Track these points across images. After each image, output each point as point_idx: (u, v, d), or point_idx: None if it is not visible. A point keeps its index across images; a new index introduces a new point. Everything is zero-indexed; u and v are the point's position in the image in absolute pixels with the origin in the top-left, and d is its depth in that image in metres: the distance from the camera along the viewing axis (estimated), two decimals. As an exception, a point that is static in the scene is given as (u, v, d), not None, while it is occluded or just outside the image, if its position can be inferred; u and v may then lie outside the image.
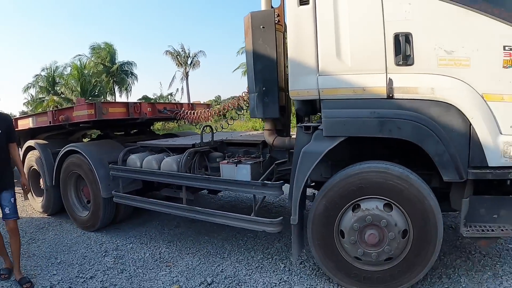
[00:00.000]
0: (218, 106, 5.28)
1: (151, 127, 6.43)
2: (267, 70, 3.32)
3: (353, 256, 2.91)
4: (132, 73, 33.24)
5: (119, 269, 3.63)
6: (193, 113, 4.78)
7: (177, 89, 49.97)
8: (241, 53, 25.46)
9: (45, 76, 29.38)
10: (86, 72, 28.65)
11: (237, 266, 3.52)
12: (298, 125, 3.19)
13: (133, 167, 4.14)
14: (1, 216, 3.58)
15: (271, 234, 4.18)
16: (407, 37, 2.66)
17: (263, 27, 3.32)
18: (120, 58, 33.10)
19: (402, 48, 2.66)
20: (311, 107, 3.18)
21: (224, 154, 3.94)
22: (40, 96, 29.38)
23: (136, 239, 4.43)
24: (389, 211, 2.78)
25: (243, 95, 4.12)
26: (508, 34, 2.58)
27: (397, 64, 2.70)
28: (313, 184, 3.72)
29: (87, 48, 32.73)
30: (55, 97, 27.65)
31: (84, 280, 3.45)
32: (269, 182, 3.21)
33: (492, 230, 2.75)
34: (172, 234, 4.54)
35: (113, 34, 79.42)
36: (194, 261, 3.70)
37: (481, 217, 2.81)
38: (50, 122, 5.13)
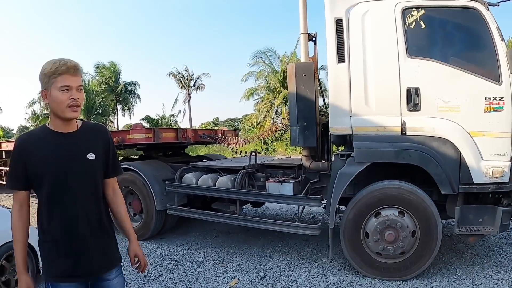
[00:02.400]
0: (254, 133, 6.23)
1: (184, 150, 7.19)
2: (308, 109, 4.27)
3: (375, 252, 3.79)
4: (134, 93, 34.20)
5: (180, 270, 4.31)
6: (233, 139, 5.68)
7: (179, 110, 50.54)
8: (245, 81, 27.31)
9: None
10: (90, 90, 29.17)
11: (280, 265, 4.34)
12: (335, 153, 4.16)
13: (190, 184, 4.94)
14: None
15: (300, 241, 5.08)
16: (416, 91, 3.68)
17: (304, 75, 4.30)
18: (124, 77, 34.02)
19: (412, 99, 3.68)
20: (343, 139, 4.16)
21: (265, 174, 4.81)
22: (45, 111, 29.52)
23: (185, 246, 5.17)
24: (402, 216, 3.71)
25: (276, 125, 5.11)
26: (488, 89, 3.58)
27: (409, 110, 3.71)
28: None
29: (91, 66, 33.62)
30: (59, 113, 28.14)
31: (154, 278, 4.09)
32: (312, 196, 4.14)
33: (478, 230, 3.73)
34: (215, 242, 5.30)
35: (117, 52, 79.56)
36: (243, 261, 4.49)
37: (470, 221, 3.77)
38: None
